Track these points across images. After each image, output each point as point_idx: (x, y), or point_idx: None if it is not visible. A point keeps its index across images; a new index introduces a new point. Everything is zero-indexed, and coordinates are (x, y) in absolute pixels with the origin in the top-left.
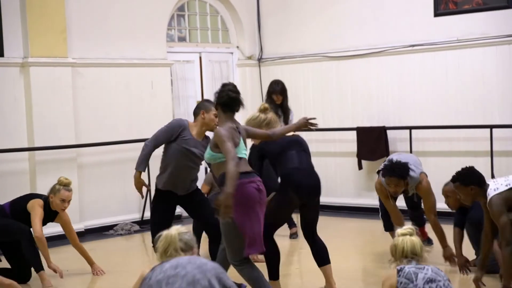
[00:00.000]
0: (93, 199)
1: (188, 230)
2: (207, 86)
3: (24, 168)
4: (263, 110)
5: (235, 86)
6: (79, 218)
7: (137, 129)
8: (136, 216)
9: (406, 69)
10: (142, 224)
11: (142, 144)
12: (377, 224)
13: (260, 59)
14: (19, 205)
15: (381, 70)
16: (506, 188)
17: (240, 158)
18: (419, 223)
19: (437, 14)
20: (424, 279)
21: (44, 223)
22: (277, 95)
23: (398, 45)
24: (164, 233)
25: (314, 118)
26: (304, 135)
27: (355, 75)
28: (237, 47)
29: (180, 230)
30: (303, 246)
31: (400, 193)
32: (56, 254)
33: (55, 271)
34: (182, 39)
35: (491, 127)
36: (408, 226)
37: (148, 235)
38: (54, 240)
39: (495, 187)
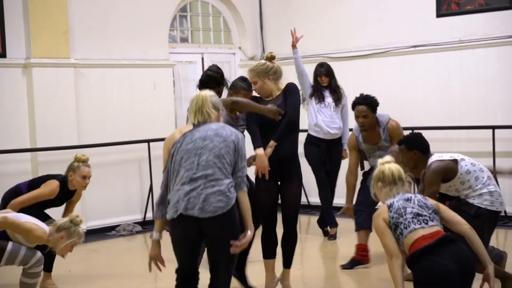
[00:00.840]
0: (95, 199)
1: (214, 93)
2: None
3: (27, 169)
4: (270, 58)
5: (217, 67)
6: None
7: (140, 130)
8: (138, 217)
9: (408, 70)
10: (144, 225)
11: (145, 144)
12: None
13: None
14: (37, 186)
15: (383, 71)
16: (450, 158)
17: None
18: None
19: (439, 14)
20: (412, 213)
21: (63, 202)
22: (321, 77)
23: (400, 46)
24: (196, 94)
25: (281, 112)
26: (305, 135)
27: (357, 76)
28: (239, 47)
29: (210, 93)
30: (305, 247)
31: (367, 126)
32: None
33: None
34: (184, 39)
35: (493, 127)
36: (387, 156)
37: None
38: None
39: (439, 155)
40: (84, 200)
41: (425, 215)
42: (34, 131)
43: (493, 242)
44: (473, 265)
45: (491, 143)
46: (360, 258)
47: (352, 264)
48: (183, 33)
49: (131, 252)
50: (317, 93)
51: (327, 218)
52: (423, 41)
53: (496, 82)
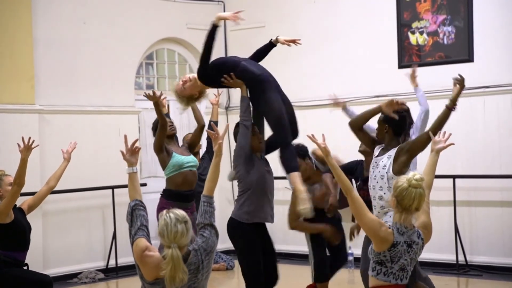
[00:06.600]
0: (57, 246)
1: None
2: None
3: None
4: None
5: None
6: (43, 266)
7: (103, 177)
8: (101, 264)
9: (372, 119)
10: (107, 272)
11: (109, 191)
12: (345, 273)
13: (227, 108)
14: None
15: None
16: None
17: None
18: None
19: (401, 66)
20: (400, 266)
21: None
22: None
23: (362, 96)
24: (169, 255)
25: None
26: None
27: (321, 125)
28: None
29: (180, 243)
30: None
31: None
32: None
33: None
34: (150, 87)
35: (454, 177)
36: (421, 175)
37: (112, 283)
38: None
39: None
40: (46, 247)
41: (407, 271)
42: None
43: None
44: None
45: (452, 191)
46: None
47: None
48: (149, 80)
49: None
50: None
51: None
52: (385, 91)
53: (455, 132)
